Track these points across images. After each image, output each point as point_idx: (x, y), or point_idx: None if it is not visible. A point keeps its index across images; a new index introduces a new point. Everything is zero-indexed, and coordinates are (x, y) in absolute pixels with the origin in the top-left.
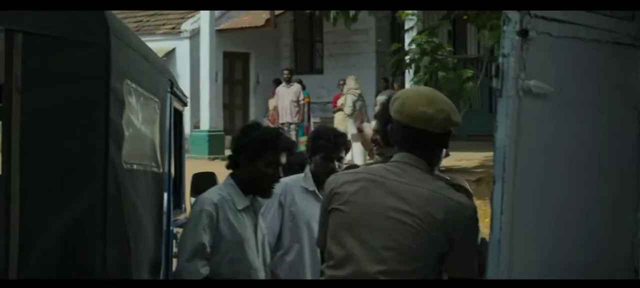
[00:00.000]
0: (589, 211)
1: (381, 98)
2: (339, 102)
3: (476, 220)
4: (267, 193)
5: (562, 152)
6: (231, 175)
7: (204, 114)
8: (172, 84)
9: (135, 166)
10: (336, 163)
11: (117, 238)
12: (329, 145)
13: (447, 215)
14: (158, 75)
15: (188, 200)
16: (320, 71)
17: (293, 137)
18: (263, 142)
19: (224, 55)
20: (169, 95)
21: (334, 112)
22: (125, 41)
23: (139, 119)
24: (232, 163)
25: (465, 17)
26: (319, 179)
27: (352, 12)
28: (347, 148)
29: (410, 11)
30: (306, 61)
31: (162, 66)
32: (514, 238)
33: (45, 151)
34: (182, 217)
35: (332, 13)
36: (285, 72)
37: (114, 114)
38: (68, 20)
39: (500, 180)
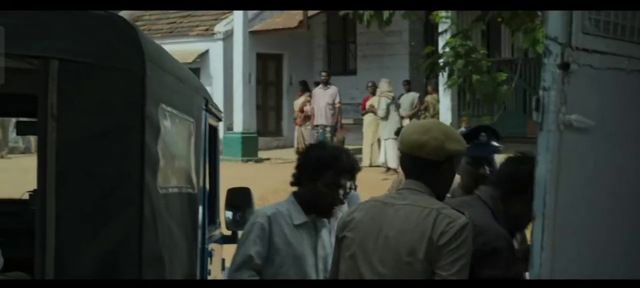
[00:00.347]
0: (630, 244)
1: (405, 99)
2: (368, 104)
3: (466, 237)
4: (326, 214)
5: (603, 185)
6: (294, 192)
7: (237, 116)
8: (207, 101)
9: (170, 190)
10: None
11: (152, 263)
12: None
13: (435, 226)
14: (193, 95)
15: (223, 215)
16: (353, 72)
17: (328, 140)
18: (323, 162)
19: (257, 56)
20: (203, 113)
21: (363, 114)
22: (159, 65)
23: (174, 141)
24: (295, 180)
25: (499, 19)
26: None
27: (385, 15)
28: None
29: (444, 14)
30: (339, 62)
31: (196, 85)
32: (555, 275)
33: (80, 178)
34: (216, 233)
35: (366, 15)
36: (323, 74)
37: (149, 140)
38: (103, 46)
39: (541, 216)
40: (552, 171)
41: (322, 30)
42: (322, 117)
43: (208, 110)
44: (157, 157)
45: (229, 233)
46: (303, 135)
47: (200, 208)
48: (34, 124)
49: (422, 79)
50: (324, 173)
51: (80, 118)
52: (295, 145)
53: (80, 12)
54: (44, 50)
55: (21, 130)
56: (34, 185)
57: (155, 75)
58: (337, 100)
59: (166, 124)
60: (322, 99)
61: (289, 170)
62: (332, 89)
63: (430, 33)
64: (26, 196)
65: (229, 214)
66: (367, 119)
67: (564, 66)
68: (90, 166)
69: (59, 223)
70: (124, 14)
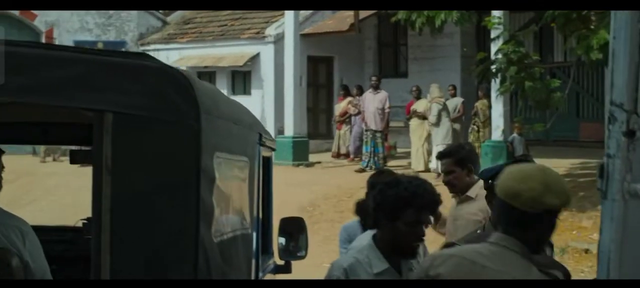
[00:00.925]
0: None
1: (450, 104)
2: (412, 108)
3: None
4: (409, 254)
5: None
6: (373, 235)
7: (288, 120)
8: (261, 135)
9: (224, 236)
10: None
11: None
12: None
13: None
14: (247, 133)
15: (276, 243)
16: (404, 75)
17: (379, 146)
18: (402, 200)
19: (308, 59)
20: (257, 148)
21: (408, 119)
22: (215, 114)
23: (229, 186)
24: (373, 222)
25: (552, 24)
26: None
27: (438, 22)
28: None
29: (497, 20)
30: (390, 65)
31: (251, 121)
32: None
33: (134, 232)
34: (270, 263)
35: (418, 22)
36: (373, 78)
37: (204, 192)
38: (158, 99)
39: None
40: (617, 241)
41: (373, 32)
42: (371, 122)
43: (262, 144)
44: (212, 208)
45: (282, 262)
46: (342, 140)
47: (254, 239)
48: (88, 152)
49: (474, 82)
50: (404, 211)
51: (134, 171)
52: (333, 149)
53: (134, 64)
54: (98, 103)
55: (75, 158)
56: (85, 189)
57: (210, 125)
58: (387, 105)
59: (221, 171)
60: (372, 103)
61: (340, 174)
62: (382, 94)
63: (482, 36)
64: (80, 224)
65: (282, 240)
66: (413, 124)
67: (630, 133)
68: (144, 220)
69: (113, 277)
70: (176, 15)
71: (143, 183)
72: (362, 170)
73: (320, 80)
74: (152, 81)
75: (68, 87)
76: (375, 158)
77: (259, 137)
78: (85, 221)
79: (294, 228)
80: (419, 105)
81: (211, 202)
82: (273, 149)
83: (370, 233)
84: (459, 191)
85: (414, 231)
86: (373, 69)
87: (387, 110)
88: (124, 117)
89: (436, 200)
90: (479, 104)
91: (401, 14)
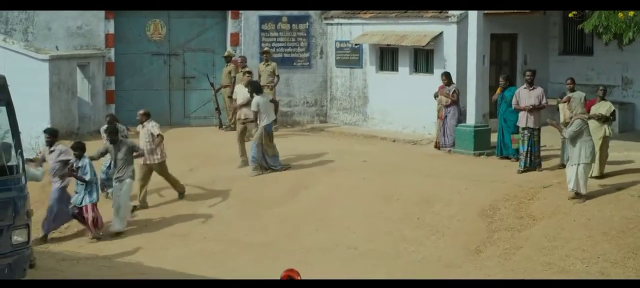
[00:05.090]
0: None
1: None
2: (592, 108)
3: None
4: None
5: None
6: None
7: (470, 106)
8: None
9: None
10: None
11: None
12: None
13: None
14: None
15: None
16: (589, 52)
17: (535, 144)
18: None
19: (491, 37)
20: None
21: (588, 118)
22: None
23: None
24: None
25: None
26: None
27: (626, 40)
28: None
29: None
30: (575, 41)
31: None
32: None
33: None
34: None
35: (604, 39)
36: (527, 73)
37: None
38: None
39: None
40: None
41: None
42: (528, 119)
43: None
44: None
45: None
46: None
47: None
48: None
49: None
50: None
51: None
52: (435, 142)
53: None
54: None
55: None
56: None
57: None
58: (544, 101)
59: None
60: (528, 100)
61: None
62: (538, 90)
63: None
64: None
65: None
66: (593, 124)
67: None
68: None
69: None
70: None
71: None
72: (524, 171)
73: (503, 57)
74: None
75: None
76: (532, 157)
77: None
78: None
79: None
80: (602, 107)
81: None
82: None
83: None
84: None
85: None
86: (558, 45)
87: (544, 104)
88: None
89: None
90: None
91: (587, 26)
